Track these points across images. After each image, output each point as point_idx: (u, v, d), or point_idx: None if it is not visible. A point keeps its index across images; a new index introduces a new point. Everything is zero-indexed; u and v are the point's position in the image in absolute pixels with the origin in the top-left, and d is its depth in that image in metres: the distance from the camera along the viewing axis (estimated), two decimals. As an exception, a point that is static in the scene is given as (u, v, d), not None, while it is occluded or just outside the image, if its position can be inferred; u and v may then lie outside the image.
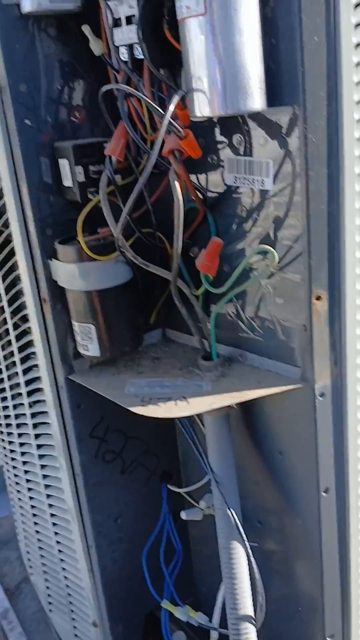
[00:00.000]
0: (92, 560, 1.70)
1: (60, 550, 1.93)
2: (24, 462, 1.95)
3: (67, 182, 1.31)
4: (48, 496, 1.85)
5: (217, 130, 1.29)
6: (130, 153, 1.28)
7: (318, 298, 1.24)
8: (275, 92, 1.12)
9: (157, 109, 1.13)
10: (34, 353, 1.56)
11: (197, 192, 1.28)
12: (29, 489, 2.01)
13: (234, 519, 1.41)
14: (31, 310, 1.47)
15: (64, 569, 1.96)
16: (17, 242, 1.41)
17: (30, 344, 1.56)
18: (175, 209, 1.19)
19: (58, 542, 1.92)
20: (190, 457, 1.73)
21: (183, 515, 1.61)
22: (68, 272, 1.32)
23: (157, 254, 1.36)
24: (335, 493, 1.42)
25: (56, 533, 1.91)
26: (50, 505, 1.87)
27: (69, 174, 1.29)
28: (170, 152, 1.15)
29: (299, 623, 1.62)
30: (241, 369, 1.40)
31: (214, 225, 1.32)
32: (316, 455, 1.38)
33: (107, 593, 1.72)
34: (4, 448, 2.04)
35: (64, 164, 1.29)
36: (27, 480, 2.00)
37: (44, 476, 1.82)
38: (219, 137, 1.28)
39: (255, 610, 1.43)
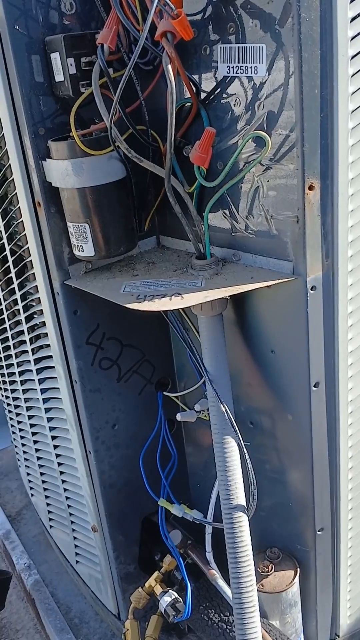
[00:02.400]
0: (90, 465, 1.66)
1: (59, 463, 1.89)
2: (23, 379, 1.89)
3: (59, 76, 1.21)
4: (47, 410, 1.80)
5: (210, 28, 1.20)
6: (122, 44, 1.19)
7: (311, 188, 1.17)
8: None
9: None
10: (30, 262, 1.48)
11: (191, 84, 1.20)
12: (28, 408, 1.96)
13: (227, 414, 1.37)
14: (25, 216, 1.38)
15: (63, 481, 1.92)
16: (10, 145, 1.32)
17: (25, 253, 1.48)
18: (168, 95, 1.11)
19: (57, 455, 1.88)
20: (185, 367, 1.68)
21: (178, 416, 1.56)
22: (61, 170, 1.24)
23: (151, 152, 1.28)
24: (325, 387, 1.38)
25: (55, 446, 1.86)
26: (49, 419, 1.82)
27: (60, 67, 1.20)
28: (163, 35, 1.07)
29: (289, 518, 1.60)
30: (235, 267, 1.34)
31: (207, 120, 1.25)
32: (307, 350, 1.33)
33: (105, 497, 1.68)
34: (2, 367, 1.98)
35: (55, 57, 1.20)
36: (26, 400, 1.95)
37: (43, 390, 1.76)
38: (212, 35, 1.20)
39: (247, 500, 1.39)
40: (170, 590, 1.60)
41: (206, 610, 1.63)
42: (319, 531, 1.56)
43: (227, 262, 1.36)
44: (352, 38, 1.10)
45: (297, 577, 1.60)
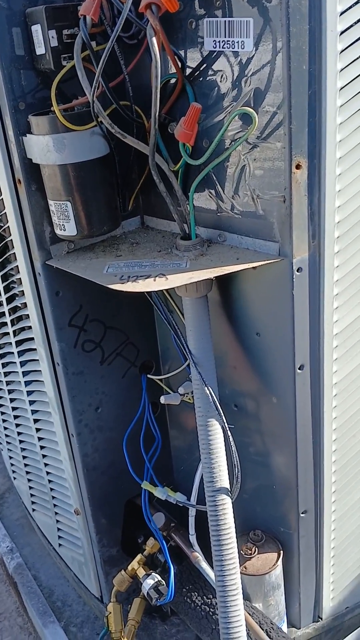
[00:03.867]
0: (73, 448, 1.63)
1: (42, 446, 1.86)
2: (5, 362, 1.86)
3: (40, 49, 1.17)
4: (29, 392, 1.77)
5: (196, 1, 1.16)
6: (105, 17, 1.14)
7: (298, 167, 1.15)
8: None
9: None
10: (10, 242, 1.44)
11: (176, 59, 1.16)
12: (10, 391, 1.92)
13: (212, 397, 1.35)
14: (5, 193, 1.34)
15: (46, 464, 1.89)
16: (-11, 120, 1.28)
17: (6, 232, 1.44)
18: (152, 69, 1.07)
19: (40, 438, 1.85)
20: (170, 350, 1.65)
21: (162, 399, 1.54)
22: (42, 145, 1.20)
23: (135, 129, 1.24)
24: (310, 369, 1.37)
25: (37, 429, 1.83)
26: (32, 402, 1.78)
27: (41, 40, 1.15)
28: (147, 7, 1.03)
29: (273, 501, 1.59)
30: (220, 248, 1.31)
31: (192, 96, 1.21)
32: (292, 333, 1.31)
33: (88, 480, 1.66)
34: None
35: (36, 29, 1.15)
36: (8, 383, 1.91)
37: (25, 372, 1.73)
38: (198, 9, 1.16)
39: (231, 483, 1.38)
40: (153, 573, 1.59)
41: (189, 593, 1.62)
42: (302, 513, 1.55)
43: (212, 243, 1.33)
44: (342, 13, 1.07)
45: (280, 559, 1.59)
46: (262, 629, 1.46)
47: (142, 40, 1.20)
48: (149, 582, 1.56)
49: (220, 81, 1.17)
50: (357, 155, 1.20)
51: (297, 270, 1.24)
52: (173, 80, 1.23)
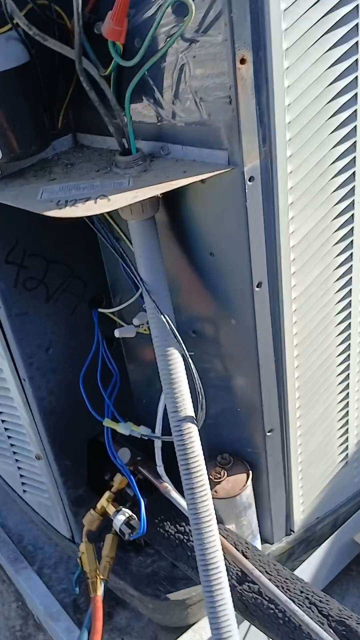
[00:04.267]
0: (27, 393, 1.53)
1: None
2: None
3: None
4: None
5: None
6: None
7: (242, 61, 1.03)
8: None
9: None
10: None
11: None
12: None
13: (169, 325, 1.26)
14: None
15: (0, 412, 1.79)
16: None
17: None
18: None
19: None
20: (119, 281, 1.54)
21: (116, 332, 1.44)
22: None
23: (56, 32, 1.08)
24: (268, 286, 1.29)
25: (-14, 377, 1.72)
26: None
27: None
28: None
29: (238, 423, 1.55)
30: (164, 162, 1.19)
31: (117, -13, 1.05)
32: (248, 249, 1.23)
33: (46, 424, 1.57)
34: None
35: None
36: None
37: None
38: None
39: (195, 411, 1.32)
40: (123, 509, 1.54)
41: (161, 524, 1.59)
42: (268, 432, 1.51)
43: (155, 157, 1.21)
44: None
45: (250, 479, 1.57)
46: (238, 550, 1.44)
47: None
48: (119, 518, 1.52)
49: (149, -33, 1.03)
50: (304, 46, 1.08)
51: (249, 180, 1.14)
52: (94, -28, 1.07)
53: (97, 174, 1.19)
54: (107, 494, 1.58)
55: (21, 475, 1.96)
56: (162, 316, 1.25)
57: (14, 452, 1.89)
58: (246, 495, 1.57)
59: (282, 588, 1.37)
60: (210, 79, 1.06)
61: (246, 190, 1.14)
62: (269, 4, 1.00)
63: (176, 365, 1.29)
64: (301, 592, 1.38)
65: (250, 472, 1.57)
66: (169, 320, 1.26)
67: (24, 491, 2.01)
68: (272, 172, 1.16)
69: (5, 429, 1.84)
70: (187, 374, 1.29)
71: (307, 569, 1.74)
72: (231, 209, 1.19)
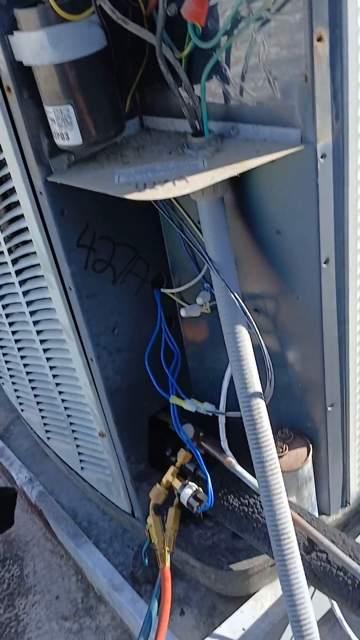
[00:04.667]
0: (93, 373, 1.56)
1: (55, 375, 1.78)
2: (1, 294, 1.74)
3: None
4: (35, 322, 1.67)
5: None
6: None
7: (319, 39, 1.02)
8: None
9: None
10: (3, 160, 1.29)
11: None
12: (10, 323, 1.82)
13: (239, 302, 1.27)
14: (-7, 105, 1.18)
15: (60, 392, 1.82)
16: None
17: (-4, 151, 1.29)
18: None
19: (52, 367, 1.77)
20: (179, 261, 1.56)
21: (182, 312, 1.46)
22: (35, 43, 1.03)
23: (132, 15, 1.09)
24: (335, 263, 1.30)
25: (48, 359, 1.75)
26: (39, 332, 1.69)
27: None
28: None
29: (298, 398, 1.57)
30: (235, 142, 1.19)
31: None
32: (317, 226, 1.23)
33: (111, 402, 1.60)
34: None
35: None
36: (7, 315, 1.80)
37: (28, 303, 1.62)
38: None
39: (264, 387, 1.33)
40: (189, 482, 1.57)
41: (225, 497, 1.62)
42: (329, 407, 1.53)
43: (225, 137, 1.21)
44: None
45: (310, 453, 1.59)
46: (306, 520, 1.47)
47: None
48: (187, 492, 1.55)
49: None
50: (379, 21, 1.08)
51: (322, 157, 1.14)
52: None
53: (169, 155, 1.20)
54: (171, 468, 1.61)
55: (79, 453, 2.00)
56: (232, 295, 1.27)
57: (73, 431, 1.93)
58: (307, 469, 1.59)
59: (351, 556, 1.39)
60: (285, 57, 1.06)
61: (318, 168, 1.15)
62: (347, -18, 0.99)
63: (245, 343, 1.31)
64: (369, 560, 1.40)
65: (311, 446, 1.59)
66: (239, 299, 1.27)
67: (82, 468, 2.05)
68: (344, 148, 1.15)
69: (65, 408, 1.87)
70: (256, 350, 1.31)
71: (365, 539, 1.77)
72: (302, 187, 1.19)
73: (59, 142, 1.16)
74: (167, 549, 1.59)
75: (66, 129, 1.12)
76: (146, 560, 1.70)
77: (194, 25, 1.04)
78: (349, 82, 1.08)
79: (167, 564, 1.57)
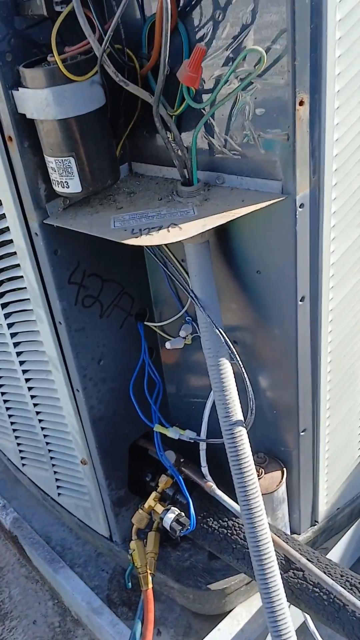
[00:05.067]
0: (78, 402, 1.60)
1: (35, 404, 1.81)
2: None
3: (28, -7, 1.06)
4: (18, 354, 1.70)
5: None
6: None
7: (301, 103, 1.13)
8: None
9: None
10: (-1, 203, 1.35)
11: (172, -4, 1.08)
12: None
13: (223, 337, 1.35)
14: (-6, 153, 1.24)
15: (41, 420, 1.85)
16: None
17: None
18: (162, 13, 1.00)
19: (33, 397, 1.80)
20: (160, 294, 1.63)
21: (167, 345, 1.53)
22: (40, 100, 1.10)
23: (128, 74, 1.17)
24: (310, 300, 1.40)
25: (30, 388, 1.78)
26: (22, 362, 1.72)
27: (29, -17, 1.04)
28: None
29: (273, 424, 1.65)
30: (221, 191, 1.28)
31: (185, 34, 1.14)
32: (295, 267, 1.33)
33: (95, 431, 1.64)
34: None
35: (22, -28, 1.04)
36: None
37: (12, 334, 1.66)
38: None
39: (245, 415, 1.41)
40: (172, 507, 1.63)
41: (204, 520, 1.68)
42: (302, 432, 1.62)
43: (211, 186, 1.30)
44: None
45: (285, 476, 1.67)
46: (283, 540, 1.55)
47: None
48: (170, 516, 1.60)
49: (217, 16, 1.11)
50: (353, 87, 1.19)
51: (300, 207, 1.24)
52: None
53: (160, 202, 1.28)
54: (153, 494, 1.67)
55: (57, 479, 2.03)
56: (217, 330, 1.35)
57: (52, 458, 1.96)
58: (282, 491, 1.68)
59: (325, 573, 1.48)
60: (269, 118, 1.16)
61: (297, 216, 1.25)
62: (326, 52, 1.10)
63: (228, 375, 1.39)
64: (341, 575, 1.49)
65: (285, 469, 1.68)
66: (224, 334, 1.35)
67: (59, 494, 2.07)
68: (319, 199, 1.26)
69: (45, 436, 1.90)
70: (238, 381, 1.39)
71: (334, 556, 1.86)
72: (282, 233, 1.29)
73: (59, 189, 1.22)
74: (149, 571, 1.64)
75: (67, 178, 1.18)
76: (129, 584, 1.74)
77: (188, 88, 1.13)
78: (325, 140, 1.19)
79: (150, 585, 1.62)
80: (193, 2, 1.13)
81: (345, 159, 1.26)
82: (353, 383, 1.68)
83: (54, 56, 1.07)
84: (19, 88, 1.13)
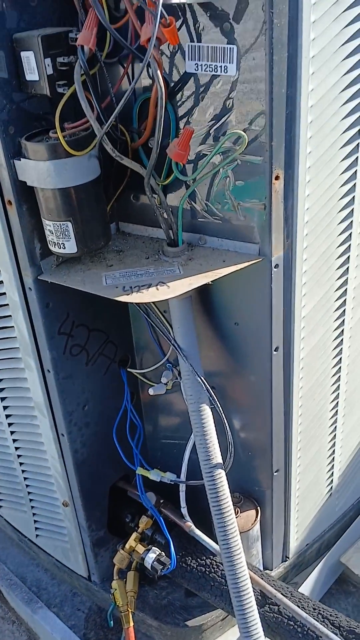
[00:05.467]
0: (62, 447, 1.66)
1: (17, 447, 1.85)
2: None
3: (33, 75, 1.15)
4: (2, 399, 1.75)
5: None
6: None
7: (277, 178, 1.25)
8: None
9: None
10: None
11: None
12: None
13: (204, 385, 1.44)
14: (-7, 216, 1.31)
15: (22, 463, 1.89)
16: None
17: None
18: (157, 99, 1.11)
19: (15, 440, 1.84)
20: (141, 341, 1.71)
21: (151, 391, 1.61)
22: (42, 171, 1.19)
23: (120, 147, 1.27)
24: (283, 350, 1.50)
25: (12, 432, 1.82)
26: (5, 407, 1.77)
27: (34, 67, 1.14)
28: (149, 40, 1.06)
29: (248, 465, 1.74)
30: (204, 251, 1.39)
31: (173, 114, 1.26)
32: (270, 320, 1.44)
33: (78, 474, 1.69)
34: None
35: (28, 56, 1.13)
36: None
37: (-2, 381, 1.71)
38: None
39: (224, 458, 1.50)
40: (153, 547, 1.68)
41: (183, 559, 1.74)
42: (275, 472, 1.71)
43: (194, 246, 1.41)
44: (313, 39, 1.17)
45: (259, 515, 1.75)
46: (259, 577, 1.62)
47: (119, 60, 1.22)
48: (151, 556, 1.65)
49: (202, 99, 1.24)
50: (321, 162, 1.32)
51: (275, 267, 1.36)
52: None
53: (147, 260, 1.37)
54: (134, 534, 1.72)
55: (36, 521, 2.05)
56: (198, 378, 1.44)
57: (31, 500, 1.99)
58: (256, 529, 1.75)
59: (299, 607, 1.55)
60: (248, 189, 1.28)
61: (272, 276, 1.36)
62: (299, 134, 1.23)
63: (208, 420, 1.47)
64: (314, 608, 1.56)
65: (259, 508, 1.76)
66: (205, 382, 1.44)
67: (37, 535, 2.10)
68: (292, 260, 1.38)
69: (25, 479, 1.94)
70: (218, 426, 1.47)
71: (304, 590, 1.93)
72: (258, 289, 1.40)
73: (55, 250, 1.30)
74: (130, 610, 1.68)
75: (63, 240, 1.26)
76: (111, 622, 1.77)
77: (177, 162, 1.24)
78: (297, 209, 1.31)
79: (132, 623, 1.66)
80: (178, 87, 1.24)
81: (314, 225, 1.38)
82: (321, 425, 1.79)
83: (56, 132, 1.17)
84: (21, 158, 1.21)
